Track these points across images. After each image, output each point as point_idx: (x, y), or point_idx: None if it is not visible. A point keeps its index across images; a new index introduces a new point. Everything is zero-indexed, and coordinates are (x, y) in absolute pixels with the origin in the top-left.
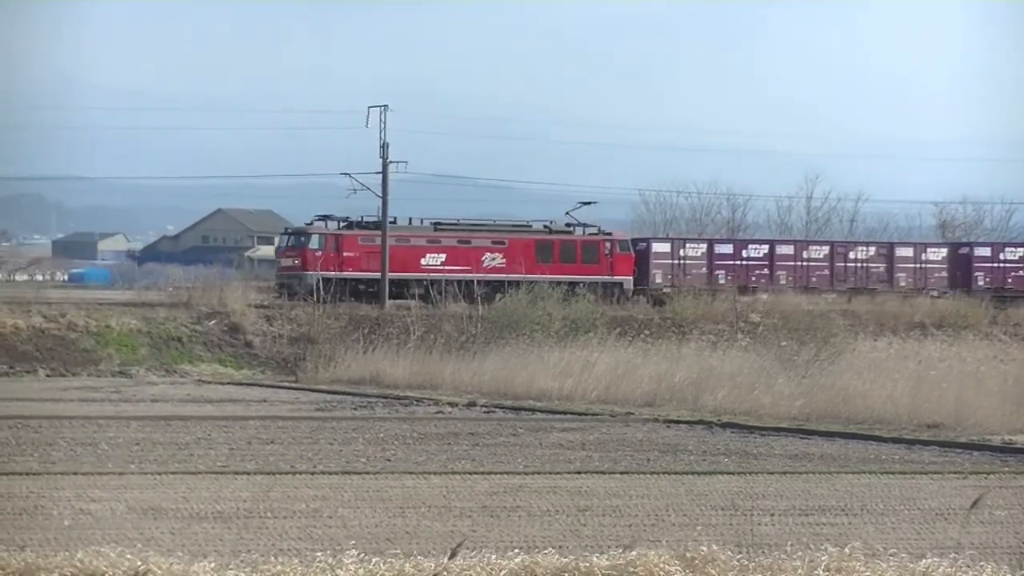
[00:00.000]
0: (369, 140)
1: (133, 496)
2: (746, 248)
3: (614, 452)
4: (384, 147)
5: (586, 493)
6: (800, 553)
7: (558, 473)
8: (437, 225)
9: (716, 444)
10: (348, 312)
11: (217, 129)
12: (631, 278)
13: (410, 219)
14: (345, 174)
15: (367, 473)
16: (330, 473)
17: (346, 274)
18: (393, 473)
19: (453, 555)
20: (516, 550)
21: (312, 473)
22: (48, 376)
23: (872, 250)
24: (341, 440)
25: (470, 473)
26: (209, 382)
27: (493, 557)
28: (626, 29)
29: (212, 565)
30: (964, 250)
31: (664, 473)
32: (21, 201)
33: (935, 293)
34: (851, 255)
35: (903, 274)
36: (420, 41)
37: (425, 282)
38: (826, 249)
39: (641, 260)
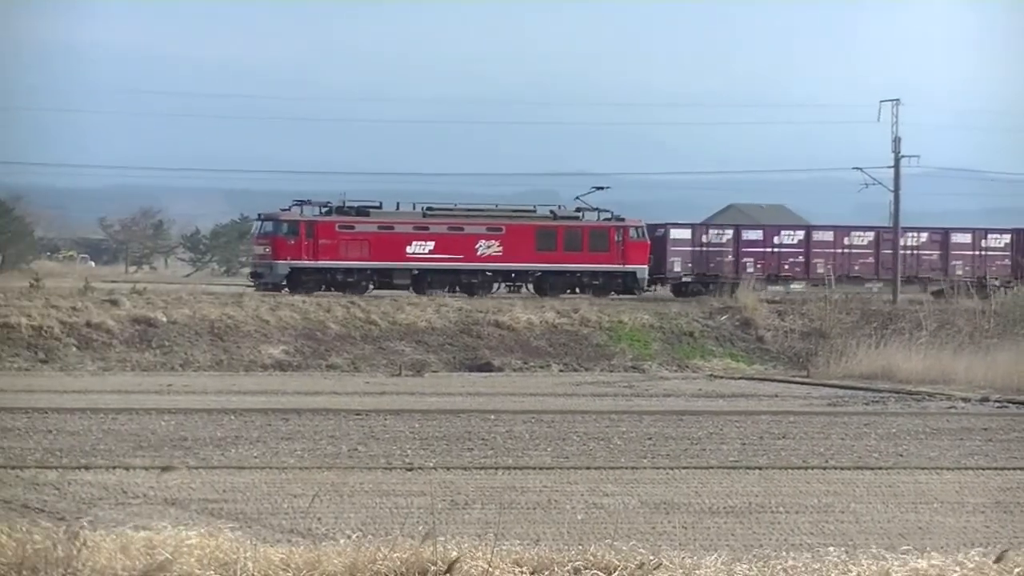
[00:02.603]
0: (880, 134)
1: (645, 491)
2: (778, 234)
3: None
4: (896, 141)
5: None
6: None
7: None
8: (428, 211)
9: None
10: (859, 307)
11: (732, 125)
12: (646, 267)
13: (397, 204)
14: (857, 169)
15: (879, 468)
16: (842, 468)
17: (321, 263)
18: (905, 468)
19: (999, 559)
20: None
21: (823, 468)
22: (561, 371)
23: (924, 236)
24: (853, 435)
25: (983, 469)
26: (720, 377)
27: None
28: None
29: (723, 559)
30: None
31: None
32: (541, 197)
33: (997, 282)
34: (900, 242)
35: (959, 262)
36: (929, 37)
37: (414, 271)
38: (871, 235)
39: (658, 247)
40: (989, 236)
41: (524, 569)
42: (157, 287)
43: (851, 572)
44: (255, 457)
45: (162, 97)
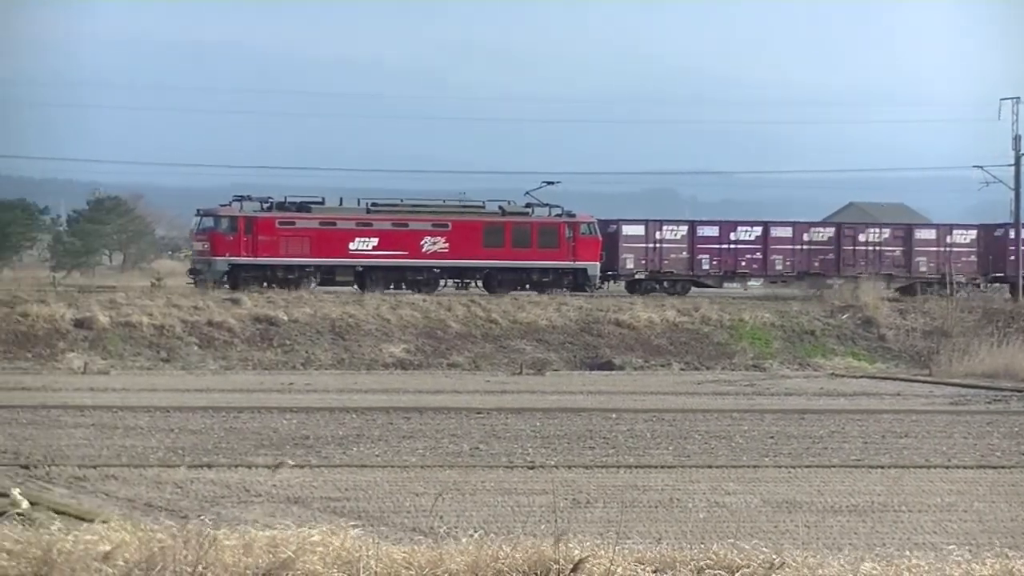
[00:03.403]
0: (1001, 132)
1: (767, 489)
2: (735, 230)
3: None
4: (1016, 140)
5: None
6: None
7: None
8: (372, 206)
9: None
10: (982, 305)
11: (853, 123)
12: (597, 264)
13: (340, 199)
14: (977, 167)
15: (1003, 467)
16: (965, 467)
17: (261, 259)
18: None
19: None
20: None
21: (946, 467)
22: (682, 370)
23: (887, 232)
24: (976, 434)
25: None
26: (842, 375)
27: None
28: None
29: (846, 559)
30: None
31: None
32: (658, 195)
33: (963, 279)
34: (860, 237)
35: (923, 259)
36: None
37: (357, 268)
38: (831, 231)
39: (610, 244)
40: (955, 232)
41: (647, 568)
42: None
43: (975, 572)
44: (377, 455)
45: (289, 96)
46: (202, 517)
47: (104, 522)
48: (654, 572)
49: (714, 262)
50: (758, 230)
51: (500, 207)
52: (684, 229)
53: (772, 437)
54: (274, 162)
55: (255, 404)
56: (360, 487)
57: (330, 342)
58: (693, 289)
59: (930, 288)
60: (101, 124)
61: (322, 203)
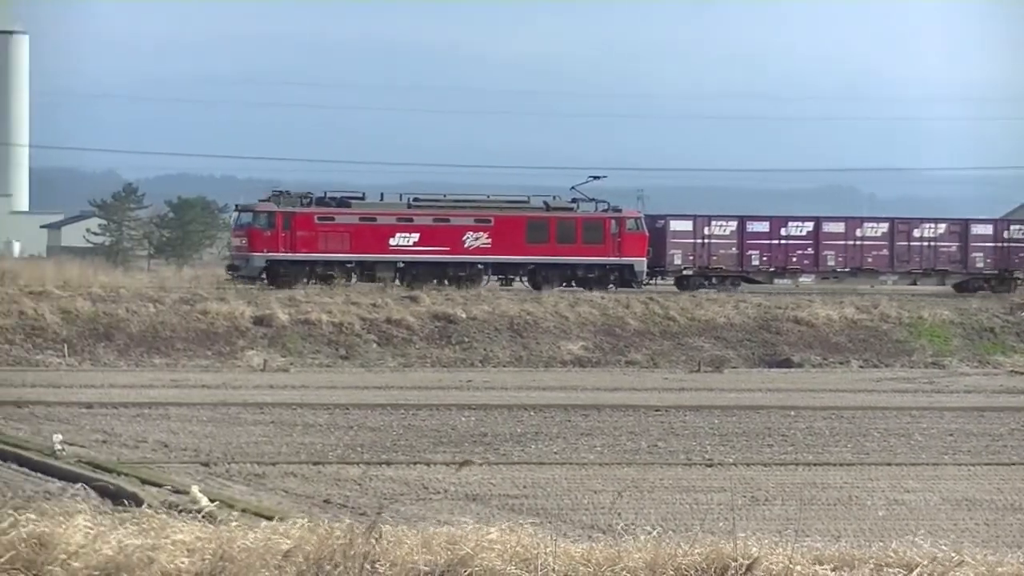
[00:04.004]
0: None
1: (947, 487)
2: (785, 226)
3: None
4: None
5: None
6: None
7: None
8: (413, 201)
9: None
10: None
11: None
12: (644, 259)
13: (382, 195)
14: None
15: None
16: None
17: (300, 255)
18: None
19: None
20: None
21: None
22: (861, 367)
23: (942, 228)
24: None
25: None
26: (1022, 373)
27: None
28: None
29: None
30: None
31: None
32: (836, 192)
33: (1020, 276)
34: (915, 233)
35: (980, 254)
36: None
37: (398, 264)
38: (884, 227)
39: (657, 239)
40: (1012, 227)
41: (825, 567)
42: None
43: None
44: (555, 453)
45: (455, 93)
46: (380, 514)
47: (282, 519)
48: (832, 570)
49: (764, 258)
50: (809, 225)
51: (544, 202)
52: (733, 224)
53: (951, 435)
54: (449, 160)
55: (433, 401)
56: (538, 484)
57: (508, 339)
58: (744, 285)
59: (987, 284)
60: (286, 122)
61: (363, 199)
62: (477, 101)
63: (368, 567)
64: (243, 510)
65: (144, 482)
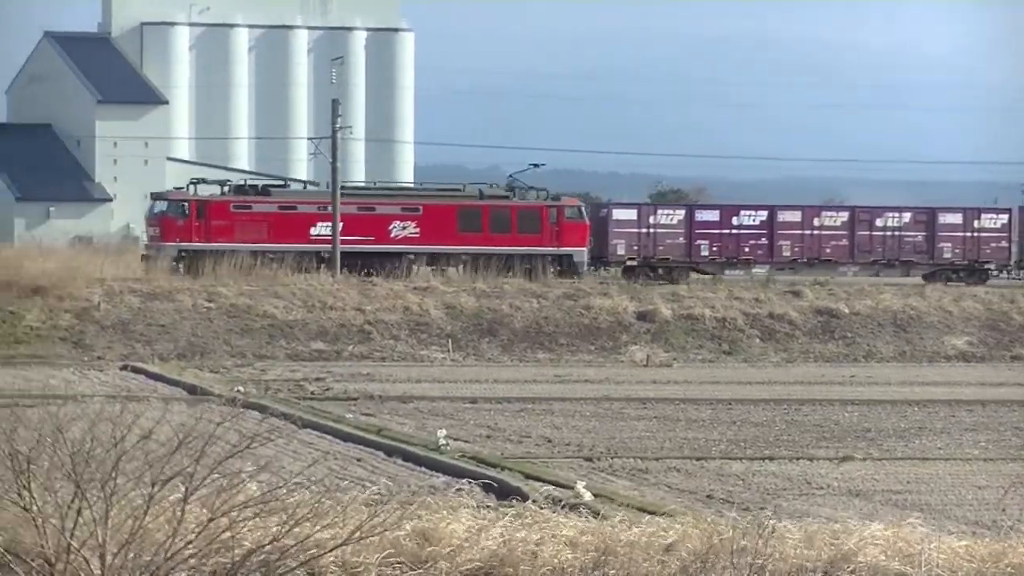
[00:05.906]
0: None
1: None
2: (737, 215)
3: None
4: None
5: None
6: None
7: None
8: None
9: None
10: None
11: None
12: (584, 250)
13: (304, 184)
14: None
15: None
16: None
17: (214, 245)
18: None
19: None
20: None
21: None
22: None
23: (907, 216)
24: None
25: None
26: None
27: None
28: None
29: None
30: None
31: None
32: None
33: (993, 267)
34: (878, 222)
35: (948, 244)
36: None
37: (321, 254)
38: (844, 216)
39: (600, 229)
40: (983, 216)
41: None
42: (837, 279)
43: None
44: (939, 448)
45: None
46: (763, 509)
47: (665, 514)
48: None
49: (714, 248)
50: (763, 214)
51: (479, 190)
52: (681, 214)
53: None
54: (834, 155)
55: (816, 397)
56: (922, 480)
57: (891, 334)
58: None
59: (956, 276)
60: (669, 118)
61: (285, 187)
62: None
63: (750, 562)
64: (626, 505)
65: (528, 477)
